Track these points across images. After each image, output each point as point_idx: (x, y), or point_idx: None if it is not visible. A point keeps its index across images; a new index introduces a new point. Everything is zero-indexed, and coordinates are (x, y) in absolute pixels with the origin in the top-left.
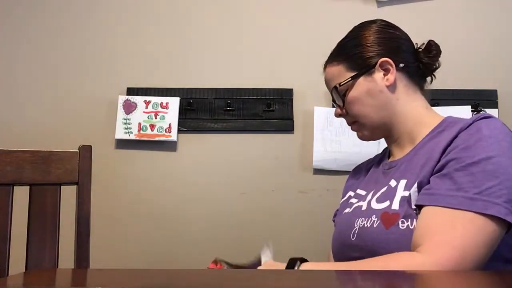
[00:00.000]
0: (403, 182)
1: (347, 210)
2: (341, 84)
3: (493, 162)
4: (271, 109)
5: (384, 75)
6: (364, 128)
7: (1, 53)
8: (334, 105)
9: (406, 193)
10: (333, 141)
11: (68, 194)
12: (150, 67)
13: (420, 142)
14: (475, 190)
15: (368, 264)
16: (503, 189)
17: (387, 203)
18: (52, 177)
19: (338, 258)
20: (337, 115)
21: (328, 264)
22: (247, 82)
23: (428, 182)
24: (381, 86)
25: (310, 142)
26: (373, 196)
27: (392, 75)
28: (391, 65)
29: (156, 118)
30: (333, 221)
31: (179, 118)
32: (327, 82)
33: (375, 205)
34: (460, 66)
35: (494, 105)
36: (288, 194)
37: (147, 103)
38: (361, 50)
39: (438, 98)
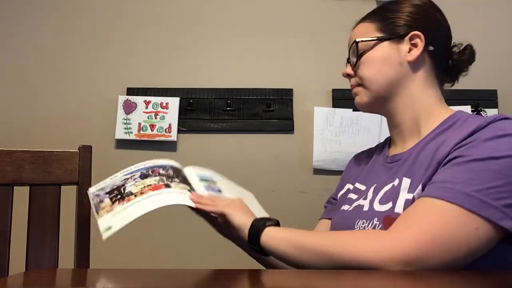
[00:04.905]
0: (406, 182)
1: (346, 207)
2: (363, 40)
3: (500, 163)
4: (271, 109)
5: (410, 49)
6: (366, 94)
7: (1, 54)
8: (346, 63)
9: (410, 196)
10: (332, 141)
11: (68, 194)
12: (150, 67)
13: (426, 136)
14: (473, 187)
15: (335, 237)
16: (503, 192)
17: (389, 205)
18: (52, 177)
19: None
20: (344, 74)
21: (291, 233)
22: (247, 82)
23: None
24: (403, 58)
25: (310, 142)
26: (374, 194)
27: (418, 51)
28: (421, 41)
29: (156, 118)
30: (325, 206)
31: (179, 118)
32: (350, 39)
33: (377, 207)
34: None
35: (494, 105)
36: (288, 194)
37: (147, 103)
38: (398, 15)
39: None
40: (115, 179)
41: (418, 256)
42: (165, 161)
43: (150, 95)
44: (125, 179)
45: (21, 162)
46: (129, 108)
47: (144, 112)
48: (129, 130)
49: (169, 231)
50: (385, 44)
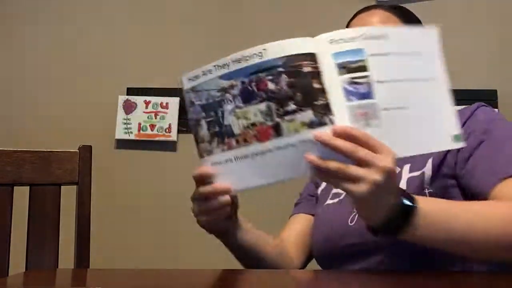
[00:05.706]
0: (406, 167)
1: (331, 201)
2: None
3: None
4: None
5: None
6: None
7: (1, 55)
8: None
9: (416, 173)
10: None
11: (68, 194)
12: (150, 67)
13: None
14: None
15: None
16: None
17: None
18: (52, 177)
19: (325, 247)
20: None
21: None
22: None
23: (442, 160)
24: None
25: None
26: None
27: None
28: None
29: (156, 118)
30: (297, 203)
31: (179, 118)
32: (370, 19)
33: None
34: (460, 66)
35: (494, 105)
36: (287, 194)
37: (147, 103)
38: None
39: None
40: (209, 80)
41: None
42: (280, 48)
43: (150, 95)
44: (222, 90)
45: (21, 162)
46: (129, 108)
47: (144, 112)
48: (129, 130)
49: (169, 231)
50: None
